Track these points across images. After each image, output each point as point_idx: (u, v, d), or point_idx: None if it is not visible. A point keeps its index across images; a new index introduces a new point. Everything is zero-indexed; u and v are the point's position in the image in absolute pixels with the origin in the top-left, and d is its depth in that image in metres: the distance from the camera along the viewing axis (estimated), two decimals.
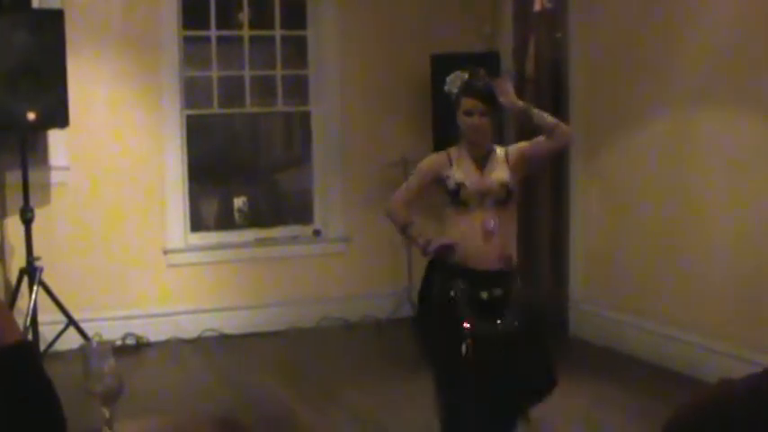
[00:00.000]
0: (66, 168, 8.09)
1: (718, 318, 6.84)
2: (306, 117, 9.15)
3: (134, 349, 8.14)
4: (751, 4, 6.62)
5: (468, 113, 4.76)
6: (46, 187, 8.03)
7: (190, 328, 8.43)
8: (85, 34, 8.00)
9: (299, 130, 9.60)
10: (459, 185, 4.75)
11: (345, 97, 8.90)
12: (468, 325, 4.69)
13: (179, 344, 8.32)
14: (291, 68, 9.11)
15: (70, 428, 2.22)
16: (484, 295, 4.76)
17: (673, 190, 7.24)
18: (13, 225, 7.80)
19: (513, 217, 4.91)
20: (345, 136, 8.91)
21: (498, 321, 4.76)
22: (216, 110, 8.89)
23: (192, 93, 8.78)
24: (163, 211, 8.44)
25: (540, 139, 4.84)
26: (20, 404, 2.03)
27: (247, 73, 8.89)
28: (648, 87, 7.42)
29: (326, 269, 8.91)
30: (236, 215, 9.21)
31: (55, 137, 7.98)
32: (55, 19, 7.48)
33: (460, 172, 4.78)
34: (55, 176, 8.08)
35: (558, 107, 8.46)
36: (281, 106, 9.17)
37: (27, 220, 7.56)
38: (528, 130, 5.02)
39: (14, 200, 7.76)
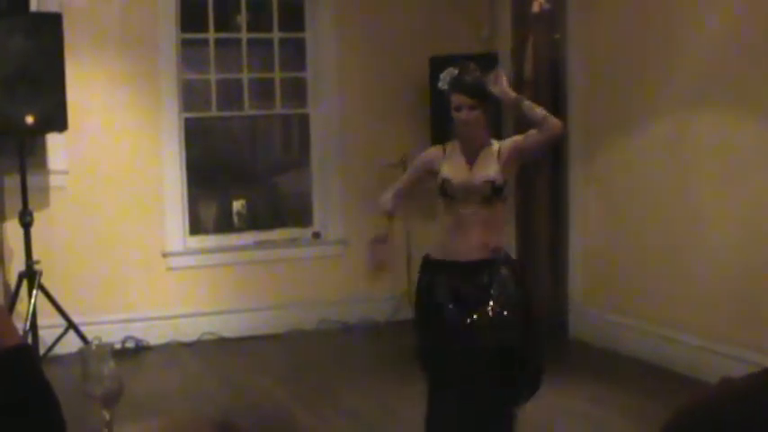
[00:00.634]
0: (65, 172, 8.09)
1: (717, 319, 6.85)
2: (304, 119, 9.15)
3: (133, 352, 8.13)
4: (750, 7, 6.62)
5: (457, 109, 4.86)
6: (45, 191, 8.02)
7: (189, 331, 8.42)
8: (83, 38, 8.00)
9: (297, 132, 9.60)
10: (444, 181, 4.86)
11: (344, 100, 8.90)
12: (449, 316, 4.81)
13: (178, 347, 8.31)
14: (290, 71, 9.11)
15: (70, 431, 2.22)
16: (469, 286, 4.83)
17: (672, 192, 7.24)
18: (13, 229, 7.80)
19: (501, 212, 4.94)
20: (344, 138, 8.91)
21: (485, 309, 4.80)
22: (214, 112, 8.88)
23: (191, 96, 8.78)
24: (162, 215, 8.44)
25: (533, 131, 4.87)
26: (19, 407, 2.03)
27: (246, 75, 8.89)
28: (647, 89, 7.42)
29: (326, 272, 8.91)
30: (235, 218, 9.21)
31: (53, 141, 7.98)
32: (53, 23, 7.48)
33: (448, 167, 4.89)
34: (54, 180, 8.08)
35: (557, 108, 8.45)
36: (279, 109, 9.17)
37: (26, 224, 7.56)
38: (523, 122, 5.04)
39: (13, 204, 7.75)
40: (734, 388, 1.73)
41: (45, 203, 8.01)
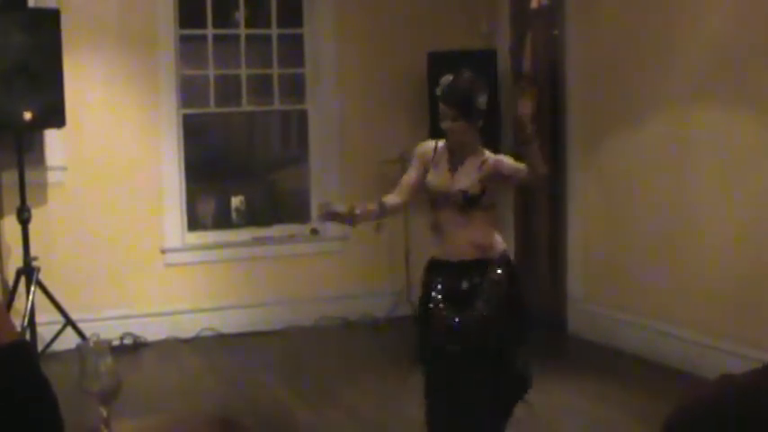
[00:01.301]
0: (63, 168, 8.09)
1: (717, 315, 6.84)
2: (303, 115, 9.15)
3: (132, 349, 8.13)
4: (749, 4, 6.62)
5: (442, 118, 4.88)
6: (43, 187, 8.02)
7: (188, 327, 8.42)
8: (82, 33, 7.99)
9: (295, 128, 9.60)
10: (427, 183, 4.94)
11: (342, 95, 8.90)
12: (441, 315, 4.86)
13: (177, 343, 8.31)
14: (288, 67, 9.10)
15: (68, 428, 2.21)
16: (463, 285, 4.88)
17: (670, 188, 7.24)
18: (10, 225, 7.79)
19: (481, 218, 4.93)
20: (342, 134, 8.90)
21: (474, 309, 4.85)
22: (213, 109, 8.88)
23: (189, 92, 8.77)
24: (160, 211, 8.43)
25: (523, 168, 4.87)
26: (16, 404, 2.02)
27: (244, 71, 8.89)
28: (646, 85, 7.41)
29: (324, 268, 8.91)
30: (234, 214, 9.20)
31: (51, 137, 7.97)
32: (51, 18, 7.48)
33: (432, 171, 4.95)
34: (52, 176, 8.07)
35: (556, 105, 8.47)
36: (277, 105, 9.16)
37: (24, 221, 7.56)
38: (520, 154, 5.03)
39: (11, 200, 7.75)
40: (734, 384, 1.73)
41: (43, 200, 8.01)
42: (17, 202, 7.59)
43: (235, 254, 8.74)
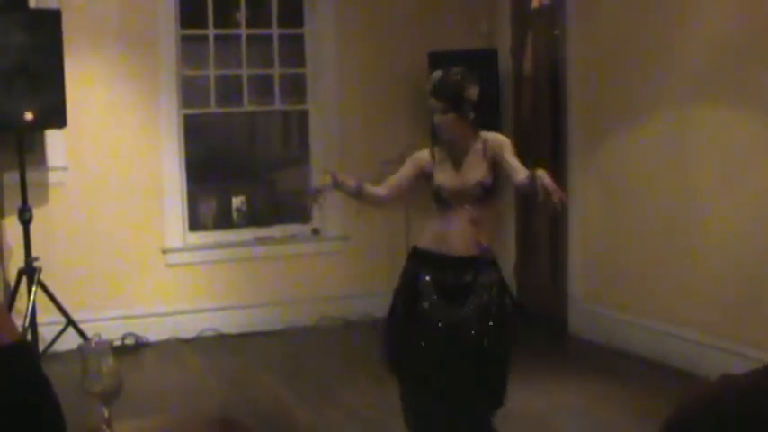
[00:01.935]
0: (65, 168, 8.09)
1: (718, 315, 6.84)
2: (304, 115, 9.15)
3: (133, 349, 8.13)
4: (749, 3, 6.62)
5: (433, 112, 4.89)
6: (44, 187, 8.02)
7: (189, 327, 8.42)
8: (83, 34, 7.99)
9: (296, 128, 9.60)
10: (439, 188, 4.94)
11: (343, 95, 8.90)
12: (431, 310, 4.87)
13: (178, 343, 8.31)
14: (289, 67, 9.10)
15: (70, 428, 2.22)
16: (450, 280, 4.91)
17: (671, 187, 7.24)
18: (12, 226, 7.80)
19: (492, 210, 5.02)
20: (343, 134, 8.90)
21: (466, 306, 4.87)
22: (213, 109, 8.88)
23: (190, 92, 8.77)
24: (161, 211, 8.43)
25: (520, 175, 4.85)
26: (18, 404, 2.02)
27: (245, 72, 8.88)
28: (646, 85, 7.41)
29: (325, 268, 8.91)
30: (235, 214, 9.20)
31: (53, 137, 7.97)
32: (52, 19, 7.48)
33: (440, 173, 4.96)
34: (53, 177, 8.07)
35: (557, 105, 8.47)
36: (278, 105, 9.16)
37: (25, 221, 7.56)
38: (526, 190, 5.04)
39: (12, 200, 7.75)
40: (734, 384, 1.73)
41: (44, 200, 8.01)
42: (18, 203, 7.59)
43: (236, 254, 8.74)
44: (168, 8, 8.38)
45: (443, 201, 4.96)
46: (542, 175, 4.62)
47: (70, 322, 7.65)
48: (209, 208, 9.27)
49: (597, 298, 8.10)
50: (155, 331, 8.31)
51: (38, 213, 7.71)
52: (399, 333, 5.06)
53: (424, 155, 5.04)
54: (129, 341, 8.19)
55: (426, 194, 5.07)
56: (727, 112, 6.76)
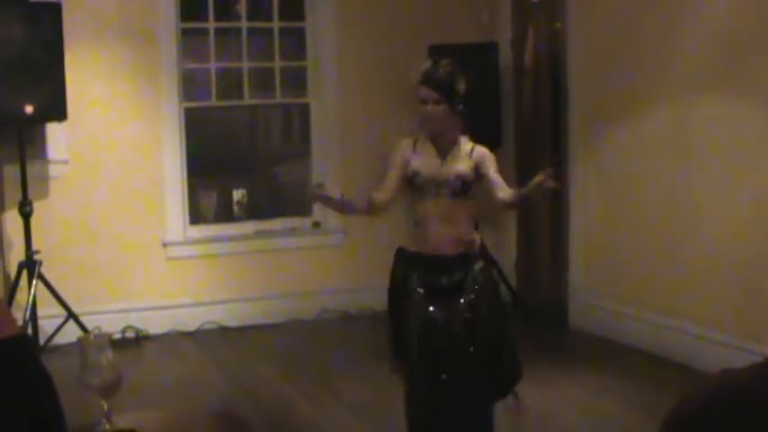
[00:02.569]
0: (65, 162, 8.08)
1: (718, 308, 6.84)
2: (304, 109, 9.14)
3: (134, 342, 8.13)
4: None
5: (423, 102, 4.87)
6: (44, 181, 8.02)
7: (189, 320, 8.42)
8: (83, 27, 7.98)
9: (297, 121, 9.59)
10: (415, 173, 4.89)
11: (344, 88, 8.89)
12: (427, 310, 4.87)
13: (179, 337, 8.32)
14: (290, 60, 9.09)
15: (69, 421, 2.22)
16: (443, 281, 4.89)
17: (672, 180, 7.23)
18: (12, 219, 7.80)
19: (471, 206, 4.97)
20: (344, 127, 8.90)
21: (459, 304, 4.86)
22: (214, 102, 8.87)
23: (191, 85, 8.76)
24: (162, 204, 8.43)
25: (503, 190, 4.90)
26: (17, 397, 2.02)
27: (245, 65, 8.88)
28: (647, 77, 7.41)
29: (326, 261, 8.90)
30: (235, 207, 9.20)
31: (53, 130, 7.97)
32: (52, 12, 7.47)
33: (419, 159, 4.92)
34: (53, 170, 8.07)
35: (557, 98, 8.46)
36: (279, 98, 9.15)
37: (26, 214, 7.56)
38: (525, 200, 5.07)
39: (13, 194, 7.75)
40: (734, 378, 1.73)
41: (45, 193, 8.01)
42: (19, 196, 7.59)
43: (236, 247, 8.73)
44: (169, 1, 8.36)
45: (418, 189, 4.91)
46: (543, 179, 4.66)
47: (71, 315, 7.65)
48: (209, 201, 9.27)
49: (597, 291, 8.10)
50: (155, 324, 8.31)
51: (38, 206, 7.72)
52: (400, 331, 5.05)
53: (405, 144, 5.01)
54: (130, 334, 8.19)
55: (410, 188, 5.05)
56: (729, 105, 6.75)
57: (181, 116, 8.52)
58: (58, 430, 2.13)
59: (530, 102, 8.86)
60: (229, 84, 9.08)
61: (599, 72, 7.98)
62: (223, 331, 8.44)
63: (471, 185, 4.89)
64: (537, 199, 4.84)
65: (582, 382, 6.81)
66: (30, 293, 7.49)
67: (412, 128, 8.48)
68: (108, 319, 7.94)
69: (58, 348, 7.46)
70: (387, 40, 8.92)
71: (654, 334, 7.38)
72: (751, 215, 6.57)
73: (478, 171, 4.91)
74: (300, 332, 8.46)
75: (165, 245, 8.46)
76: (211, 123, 9.42)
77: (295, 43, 9.10)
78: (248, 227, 8.96)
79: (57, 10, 7.49)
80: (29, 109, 7.30)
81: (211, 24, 8.71)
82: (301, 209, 9.15)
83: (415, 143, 4.97)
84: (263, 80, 9.12)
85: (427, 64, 4.94)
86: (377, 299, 8.75)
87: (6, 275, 7.93)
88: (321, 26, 8.89)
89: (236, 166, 9.62)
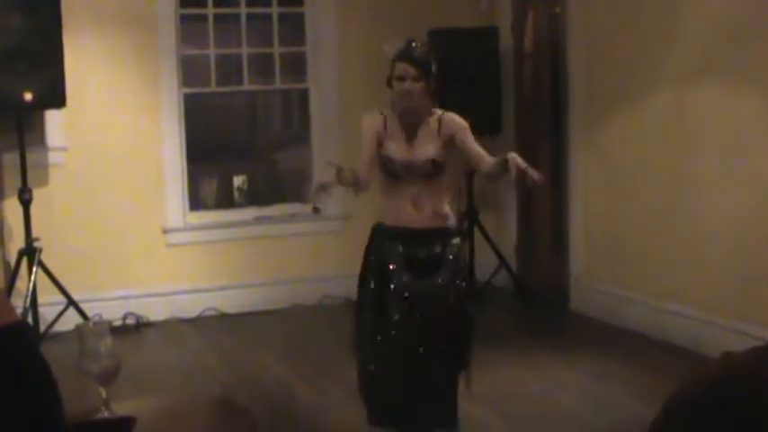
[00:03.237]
0: (64, 149, 8.07)
1: (719, 292, 6.84)
2: (304, 94, 9.13)
3: (134, 329, 8.13)
4: None
5: (400, 78, 4.89)
6: (44, 168, 8.01)
7: (190, 307, 8.42)
8: (81, 13, 7.96)
9: (297, 107, 9.58)
10: (387, 159, 4.93)
11: (343, 74, 8.87)
12: (399, 280, 4.89)
13: (179, 323, 8.32)
14: (289, 45, 9.07)
15: (68, 409, 2.21)
16: (421, 253, 4.92)
17: (673, 165, 7.22)
18: (12, 206, 7.79)
19: (445, 184, 5.01)
20: (344, 113, 8.87)
21: (438, 277, 4.91)
22: (214, 88, 8.86)
23: (190, 71, 8.75)
24: (161, 191, 8.42)
25: (487, 162, 4.87)
26: (15, 385, 2.02)
27: (245, 50, 8.86)
28: (648, 62, 7.39)
29: (326, 247, 8.89)
30: (236, 193, 9.20)
31: (52, 117, 7.95)
32: None
33: (390, 145, 4.94)
34: (53, 157, 8.06)
35: (557, 82, 8.45)
36: (279, 84, 9.14)
37: (25, 202, 7.56)
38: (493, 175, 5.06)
39: (12, 181, 7.75)
40: (736, 362, 1.72)
41: (44, 181, 8.00)
42: (18, 184, 7.59)
43: (237, 233, 8.73)
44: None
45: (392, 173, 4.93)
46: (515, 157, 4.60)
47: (71, 303, 7.65)
48: (209, 187, 9.28)
49: (598, 276, 8.09)
50: (155, 311, 8.31)
51: (38, 194, 7.71)
52: (373, 310, 5.04)
53: (377, 122, 5.01)
54: (130, 321, 8.19)
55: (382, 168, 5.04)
56: (729, 90, 6.74)
57: (180, 102, 8.50)
58: (56, 418, 2.13)
59: (530, 86, 8.85)
60: (229, 70, 9.06)
61: (599, 56, 7.96)
62: (223, 318, 8.44)
63: (443, 165, 4.91)
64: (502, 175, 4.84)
65: (582, 367, 6.81)
66: (30, 281, 7.49)
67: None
68: (108, 307, 7.94)
69: (58, 336, 7.45)
70: (386, 24, 8.88)
71: (654, 318, 7.38)
72: (751, 200, 6.56)
73: (452, 144, 4.91)
74: (301, 318, 8.45)
75: (165, 231, 8.45)
76: (211, 109, 9.42)
77: (294, 29, 9.08)
78: (248, 213, 8.96)
79: None
80: (28, 96, 7.29)
81: (210, 10, 8.68)
82: (301, 194, 9.14)
83: (385, 122, 4.99)
84: (262, 66, 9.11)
85: (403, 41, 4.95)
86: None
87: (6, 263, 7.93)
88: (320, 11, 8.87)
89: (235, 152, 9.63)
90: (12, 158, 7.73)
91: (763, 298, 6.43)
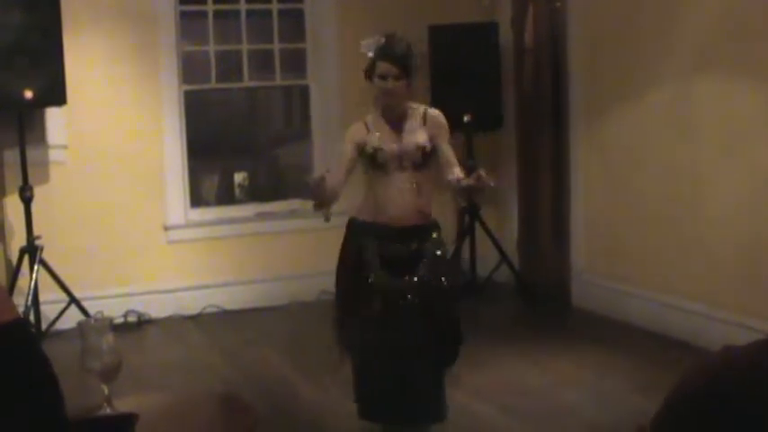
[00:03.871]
0: (65, 146, 8.07)
1: (720, 286, 6.84)
2: (304, 91, 9.13)
3: (136, 326, 8.14)
4: None
5: (383, 77, 4.88)
6: (45, 165, 8.01)
7: (191, 304, 8.43)
8: (81, 11, 7.96)
9: (297, 103, 9.58)
10: (376, 150, 4.89)
11: (344, 70, 8.86)
12: (376, 280, 4.87)
13: (180, 320, 8.32)
14: (289, 42, 9.07)
15: (70, 406, 2.21)
16: (400, 250, 4.91)
17: (673, 159, 7.22)
18: (13, 204, 7.79)
19: (432, 177, 4.99)
20: (344, 109, 8.86)
21: (416, 273, 4.89)
22: (214, 85, 8.86)
23: (190, 68, 8.75)
24: (163, 188, 8.42)
25: (455, 171, 4.91)
26: (17, 383, 2.02)
27: (245, 47, 8.86)
28: (648, 57, 7.39)
29: (327, 243, 8.84)
30: (237, 190, 9.20)
31: (52, 115, 7.96)
32: None
33: (377, 137, 4.92)
34: (53, 155, 8.06)
35: (558, 77, 8.44)
36: (279, 80, 9.14)
37: (26, 199, 7.56)
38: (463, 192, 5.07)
39: (13, 179, 7.75)
40: (737, 355, 1.72)
41: (45, 178, 8.00)
42: (19, 181, 7.59)
43: (238, 230, 8.73)
44: None
45: (380, 165, 4.90)
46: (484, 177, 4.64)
47: (72, 300, 7.66)
48: (210, 184, 9.27)
49: (599, 270, 8.10)
50: (157, 308, 8.32)
51: (39, 192, 7.71)
52: (350, 305, 5.04)
53: (359, 129, 5.00)
54: (132, 318, 8.19)
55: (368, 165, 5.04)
56: (729, 84, 6.73)
57: (181, 99, 8.51)
58: (58, 415, 2.13)
59: (530, 81, 8.85)
60: (229, 66, 9.06)
61: (600, 51, 7.96)
62: (225, 314, 8.45)
63: (430, 156, 4.91)
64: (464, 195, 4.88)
65: (584, 361, 6.82)
66: (31, 279, 7.50)
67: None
68: (110, 304, 7.95)
69: (60, 333, 7.46)
70: (386, 20, 8.84)
71: (656, 312, 7.38)
72: (752, 193, 6.57)
73: (433, 140, 4.93)
74: (302, 314, 8.45)
75: (166, 228, 8.45)
76: (211, 106, 9.41)
77: (294, 25, 9.08)
78: (249, 209, 8.96)
79: None
80: (28, 94, 7.29)
81: (210, 7, 8.68)
82: (302, 190, 9.12)
83: (366, 124, 4.99)
84: (262, 62, 9.10)
85: (380, 39, 4.95)
86: None
87: (8, 261, 7.93)
88: (320, 7, 8.87)
89: (236, 149, 9.62)
90: (12, 156, 7.73)
91: (764, 291, 6.43)
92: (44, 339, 7.37)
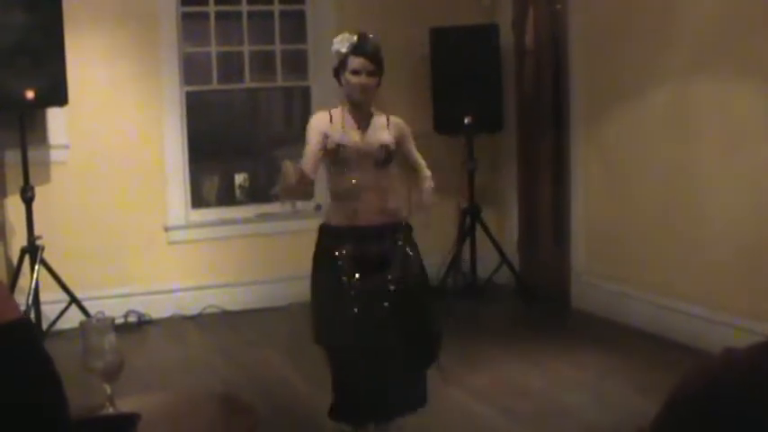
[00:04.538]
0: (66, 146, 8.08)
1: (720, 288, 6.84)
2: (305, 92, 9.13)
3: (136, 327, 8.15)
4: None
5: (356, 72, 4.91)
6: (46, 166, 8.01)
7: (191, 304, 8.43)
8: (83, 11, 7.96)
9: (298, 105, 9.57)
10: (338, 146, 4.88)
11: None
12: (355, 282, 4.88)
13: (181, 320, 8.33)
14: (290, 43, 9.07)
15: (72, 405, 2.22)
16: (372, 251, 4.92)
17: (673, 160, 7.23)
18: (14, 204, 7.79)
19: (394, 178, 5.04)
20: None
21: (387, 275, 4.90)
22: (215, 86, 8.86)
23: (191, 69, 8.75)
24: (163, 188, 8.43)
25: (422, 174, 5.03)
26: (18, 382, 2.02)
27: (246, 48, 8.86)
28: (648, 58, 7.39)
29: None
30: (237, 191, 9.19)
31: (54, 115, 7.96)
32: None
33: (340, 132, 4.91)
34: (55, 155, 8.06)
35: (558, 79, 8.45)
36: (280, 81, 9.14)
37: (28, 200, 7.56)
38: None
39: (14, 179, 7.75)
40: (737, 357, 1.73)
41: (46, 178, 8.00)
42: (20, 181, 7.59)
43: (238, 231, 8.74)
44: None
45: (343, 161, 4.89)
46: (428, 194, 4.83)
47: (73, 300, 7.66)
48: (211, 185, 9.26)
49: (600, 271, 8.10)
50: (157, 309, 8.32)
51: (40, 192, 7.72)
52: (328, 309, 5.04)
53: (323, 119, 4.97)
54: (132, 319, 8.20)
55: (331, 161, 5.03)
56: (729, 84, 6.74)
57: (182, 100, 8.52)
58: (60, 415, 2.13)
59: (531, 83, 8.86)
60: (230, 67, 9.06)
61: (600, 52, 7.96)
62: (225, 315, 8.45)
63: (393, 155, 4.93)
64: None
65: (584, 363, 6.82)
66: (32, 279, 7.50)
67: (411, 110, 8.51)
68: (110, 304, 7.95)
69: (60, 333, 7.47)
70: (387, 22, 8.88)
71: (656, 314, 7.38)
72: (752, 194, 6.57)
73: (398, 145, 4.95)
74: (302, 315, 8.41)
75: (166, 229, 8.46)
76: (212, 107, 9.40)
77: (295, 26, 9.09)
78: (250, 210, 8.96)
79: None
80: (30, 94, 7.30)
81: (212, 8, 8.69)
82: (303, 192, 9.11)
83: (330, 117, 4.97)
84: (263, 64, 9.11)
85: (352, 36, 4.98)
86: None
87: (9, 261, 7.94)
88: (321, 9, 8.88)
89: (237, 150, 9.61)
90: (14, 156, 7.73)
91: (764, 293, 6.44)
92: (45, 339, 7.37)
